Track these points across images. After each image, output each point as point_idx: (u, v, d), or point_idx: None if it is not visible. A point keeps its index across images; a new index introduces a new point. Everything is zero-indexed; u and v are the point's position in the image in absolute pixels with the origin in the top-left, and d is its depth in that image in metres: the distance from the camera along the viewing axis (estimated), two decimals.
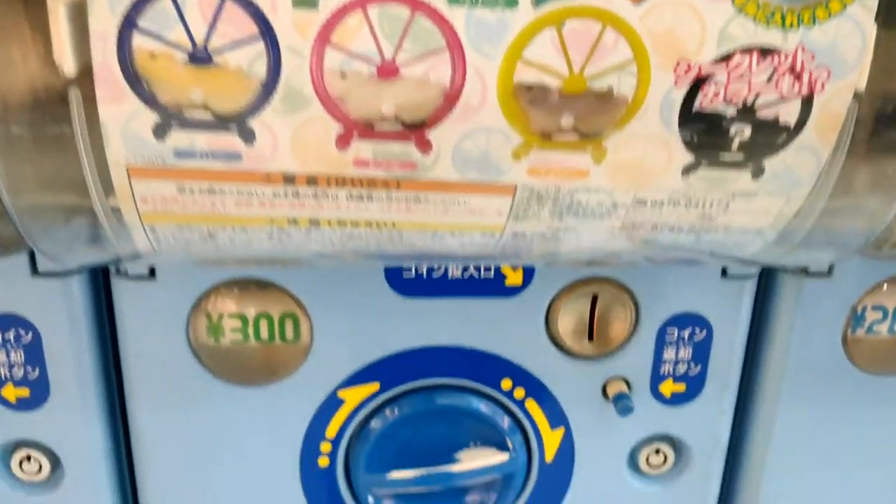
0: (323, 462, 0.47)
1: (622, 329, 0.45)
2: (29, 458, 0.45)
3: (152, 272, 0.42)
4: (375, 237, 0.33)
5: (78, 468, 0.46)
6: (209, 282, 0.42)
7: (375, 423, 0.46)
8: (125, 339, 0.43)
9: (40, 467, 0.45)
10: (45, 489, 0.46)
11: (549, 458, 0.48)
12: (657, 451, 0.48)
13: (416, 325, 0.44)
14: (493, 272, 0.43)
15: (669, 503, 0.50)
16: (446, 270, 0.43)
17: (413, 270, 0.43)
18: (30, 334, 0.42)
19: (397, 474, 0.46)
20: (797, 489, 0.50)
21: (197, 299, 0.42)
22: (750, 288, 0.45)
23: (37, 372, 0.43)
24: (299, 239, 0.33)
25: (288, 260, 0.35)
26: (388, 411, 0.46)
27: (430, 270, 0.43)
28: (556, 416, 0.47)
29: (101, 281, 0.44)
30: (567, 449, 0.47)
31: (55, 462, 0.45)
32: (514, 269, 0.43)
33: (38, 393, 0.43)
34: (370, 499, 0.47)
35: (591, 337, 0.45)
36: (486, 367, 0.45)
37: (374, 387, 0.45)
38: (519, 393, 0.46)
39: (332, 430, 0.46)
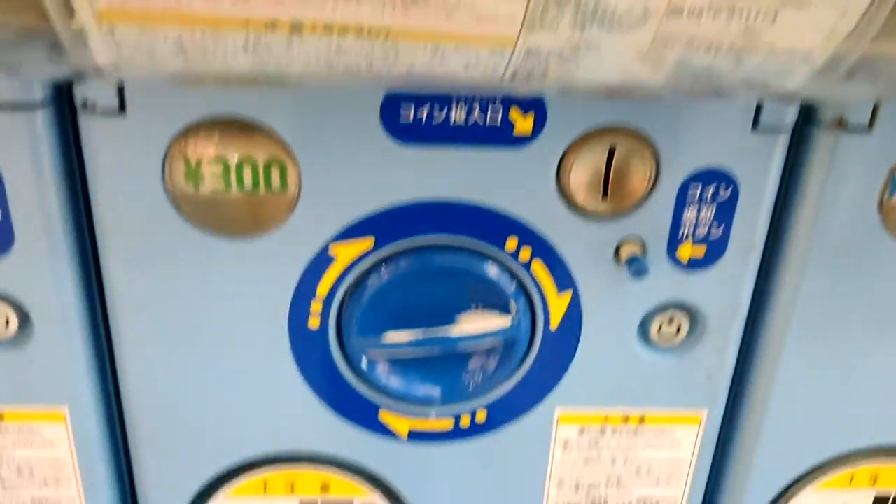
0: (313, 323, 0.43)
1: (640, 185, 0.41)
2: None
3: (122, 106, 0.38)
4: (367, 52, 0.29)
5: (48, 323, 0.43)
6: (186, 119, 0.38)
7: (369, 282, 0.42)
8: (95, 183, 0.40)
9: (7, 321, 0.42)
10: (12, 345, 0.43)
11: (554, 324, 0.45)
12: (671, 321, 0.45)
13: (414, 175, 0.40)
14: (500, 118, 0.39)
15: (681, 376, 0.47)
16: (448, 115, 0.39)
17: (412, 114, 0.38)
18: None
19: (393, 336, 0.43)
20: (817, 364, 0.47)
21: (172, 139, 0.38)
22: (782, 143, 0.41)
23: None
24: (280, 52, 0.29)
25: (269, 79, 0.31)
26: (383, 269, 0.42)
27: (430, 115, 0.39)
28: (564, 280, 0.43)
29: (68, 118, 0.39)
30: (574, 315, 0.44)
31: (24, 316, 0.42)
32: (524, 115, 0.39)
33: (1, 239, 0.40)
34: (363, 362, 0.44)
35: (605, 193, 0.41)
36: (490, 225, 0.41)
37: (367, 242, 0.42)
38: (525, 253, 0.42)
39: (323, 289, 0.43)
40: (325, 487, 0.49)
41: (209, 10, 0.26)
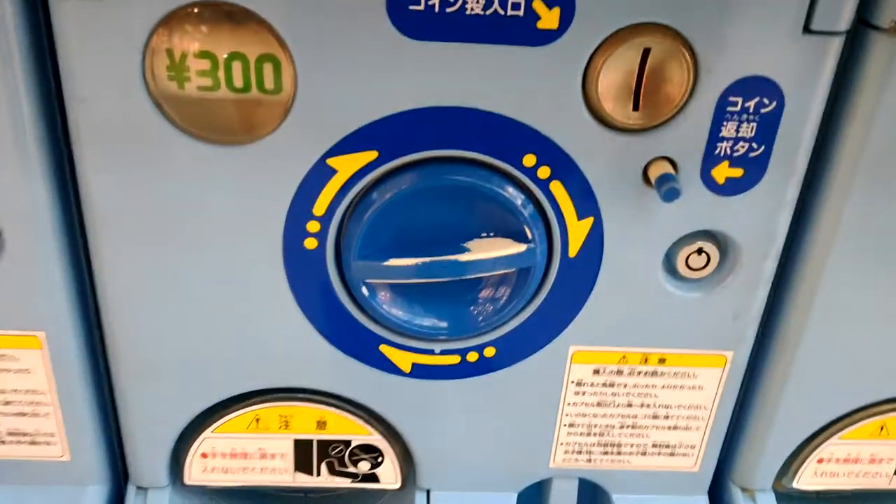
0: (310, 243, 0.40)
1: (676, 94, 0.37)
2: None
3: None
4: None
5: (19, 239, 0.39)
6: (169, 5, 0.34)
7: (372, 200, 0.38)
8: (69, 79, 0.35)
9: None
10: None
11: (572, 252, 0.41)
12: (699, 251, 0.41)
13: (423, 76, 0.36)
14: (522, 8, 0.35)
15: (706, 314, 0.43)
16: (464, 3, 0.34)
17: (423, 3, 0.34)
18: None
19: (396, 262, 0.39)
20: (853, 307, 0.43)
21: (153, 29, 0.34)
22: (835, 49, 0.36)
23: None
24: None
25: None
26: (387, 186, 0.38)
27: (443, 3, 0.34)
28: (586, 203, 0.39)
29: (38, 2, 0.35)
30: (594, 242, 0.40)
31: None
32: (550, 7, 0.35)
33: None
34: (363, 289, 0.40)
35: (636, 104, 0.37)
36: (506, 137, 0.37)
37: (370, 155, 0.38)
38: (544, 172, 0.38)
39: (320, 207, 0.39)
40: (321, 425, 0.46)
41: None
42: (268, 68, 0.36)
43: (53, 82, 0.37)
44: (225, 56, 0.35)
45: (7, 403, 0.44)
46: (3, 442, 0.45)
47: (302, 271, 0.41)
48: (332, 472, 0.48)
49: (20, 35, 0.35)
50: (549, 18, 0.35)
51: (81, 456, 0.46)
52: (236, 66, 0.35)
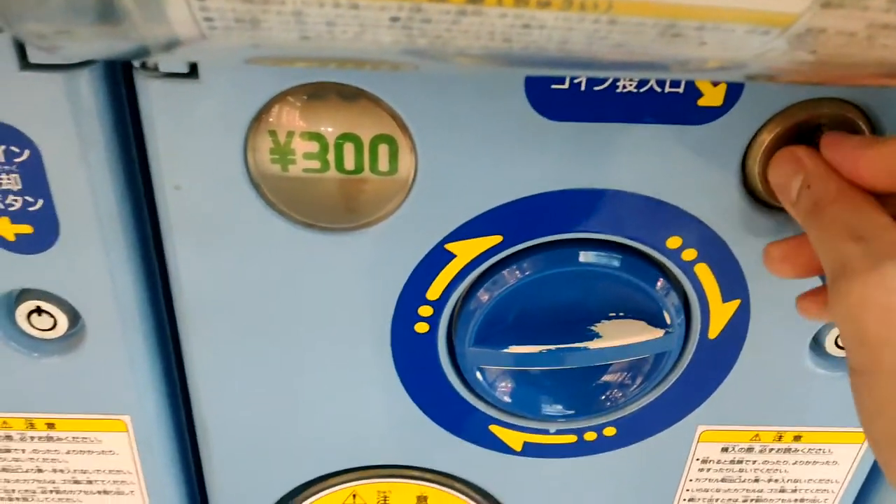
0: (420, 328, 0.36)
1: None
2: (40, 310, 0.35)
3: (193, 69, 0.29)
4: (563, 29, 0.20)
5: (102, 324, 0.35)
6: (275, 86, 0.29)
7: (493, 284, 0.34)
8: (157, 161, 0.31)
9: (55, 322, 0.35)
10: (61, 349, 0.36)
11: (713, 334, 0.36)
12: None
13: (561, 158, 0.31)
14: (682, 86, 0.30)
15: (847, 389, 0.39)
16: (615, 81, 0.30)
17: (567, 81, 0.29)
18: (26, 152, 0.30)
19: (517, 349, 0.35)
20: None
21: (258, 111, 0.30)
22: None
23: (40, 203, 0.31)
24: (443, 28, 0.20)
25: (413, 62, 0.22)
26: (509, 272, 0.34)
27: (591, 80, 0.30)
28: (734, 285, 0.35)
29: (120, 78, 0.31)
30: (739, 325, 0.36)
31: (74, 317, 0.35)
32: (715, 84, 0.30)
33: (44, 230, 0.32)
34: (478, 375, 0.36)
35: None
36: (650, 219, 0.33)
37: (494, 239, 0.33)
38: (689, 254, 0.34)
39: (434, 291, 0.35)
40: (421, 500, 0.43)
41: None
42: (383, 149, 0.31)
43: (138, 161, 0.33)
44: (335, 137, 0.31)
45: (90, 482, 0.41)
46: None
47: (410, 355, 0.37)
48: None
49: (100, 112, 0.30)
50: (712, 95, 0.30)
51: None
52: (348, 148, 0.31)
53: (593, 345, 0.35)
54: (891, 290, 0.24)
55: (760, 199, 0.33)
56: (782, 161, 0.30)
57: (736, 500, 0.43)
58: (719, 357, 0.37)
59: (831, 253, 0.26)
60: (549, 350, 0.35)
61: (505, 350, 0.35)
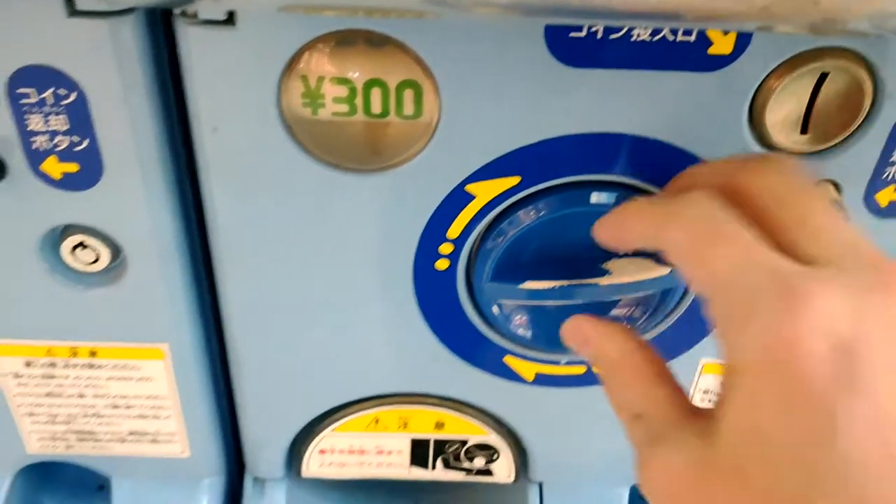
0: (441, 264, 0.38)
1: (850, 120, 0.34)
2: (83, 245, 0.37)
3: (230, 17, 0.30)
4: None
5: (143, 257, 0.37)
6: (306, 33, 0.31)
7: (510, 224, 0.36)
8: (196, 103, 0.33)
9: (97, 256, 0.37)
10: (103, 281, 0.38)
11: None
12: None
13: (578, 103, 0.33)
14: (694, 34, 0.31)
15: None
16: (630, 29, 0.31)
17: (585, 30, 0.31)
18: (73, 94, 0.32)
19: (532, 285, 0.37)
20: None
21: (291, 57, 0.31)
22: None
23: (86, 142, 0.33)
24: None
25: (437, 10, 0.24)
26: (526, 211, 0.36)
27: (607, 30, 0.31)
28: None
29: (161, 25, 0.33)
30: None
31: (115, 251, 0.37)
32: (725, 33, 0.31)
33: (89, 168, 0.34)
34: (495, 309, 0.39)
35: (804, 129, 0.34)
36: (660, 162, 0.35)
37: (513, 180, 0.35)
38: None
39: (455, 230, 0.37)
40: (439, 425, 0.46)
41: None
42: (409, 94, 0.33)
43: (176, 103, 0.35)
44: (363, 82, 0.32)
45: (129, 407, 0.44)
46: (124, 441, 0.45)
47: (431, 290, 0.39)
48: (447, 466, 0.48)
49: (143, 56, 0.32)
50: (722, 43, 0.31)
51: (200, 452, 0.46)
52: (375, 93, 0.33)
53: (604, 281, 0.37)
54: (672, 474, 0.25)
55: (767, 143, 0.34)
56: (568, 333, 0.33)
57: None
58: None
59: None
60: (561, 286, 0.37)
61: (520, 285, 0.37)
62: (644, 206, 0.30)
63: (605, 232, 0.31)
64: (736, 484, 0.24)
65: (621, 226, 0.31)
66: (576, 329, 0.33)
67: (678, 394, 0.29)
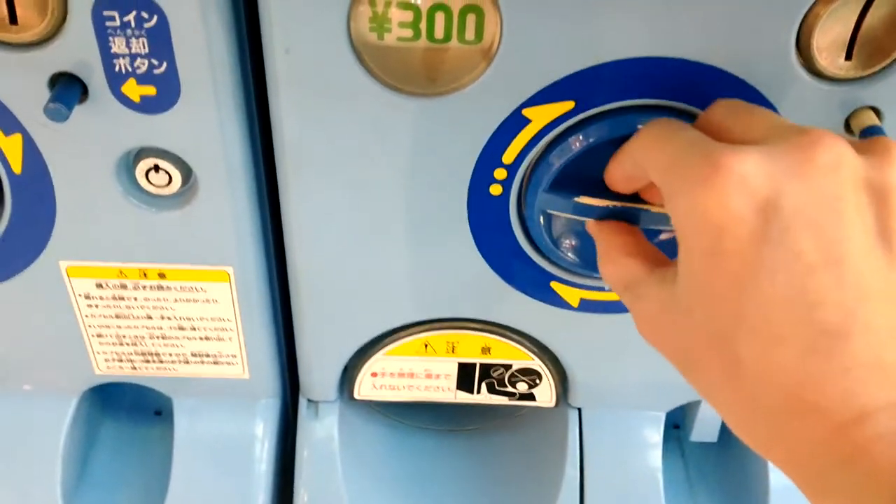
0: (495, 189, 0.40)
1: (892, 47, 0.35)
2: (157, 168, 0.39)
3: None
4: None
5: (212, 181, 0.39)
6: None
7: (564, 149, 0.38)
8: (269, 26, 0.35)
9: (170, 179, 0.39)
10: (175, 203, 0.40)
11: None
12: None
13: (630, 28, 0.34)
14: None
15: None
16: None
17: None
18: (154, 18, 0.34)
19: (587, 200, 0.39)
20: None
21: None
22: None
23: (164, 66, 0.35)
24: None
25: None
26: (578, 136, 0.38)
27: None
28: None
29: None
30: None
31: (187, 173, 0.39)
32: None
33: (167, 91, 0.36)
34: (540, 218, 0.40)
35: (848, 55, 0.35)
36: (710, 85, 0.36)
37: (567, 105, 0.37)
38: None
39: (510, 155, 0.38)
40: (485, 350, 0.48)
41: None
42: (471, 19, 0.34)
43: (248, 30, 0.36)
44: (428, 7, 0.34)
45: (193, 329, 0.46)
46: (187, 362, 0.48)
47: (484, 215, 0.41)
48: (492, 390, 0.50)
49: None
50: None
51: (259, 374, 0.49)
52: (438, 17, 0.34)
53: (655, 208, 0.39)
54: (650, 319, 0.33)
55: (813, 69, 0.36)
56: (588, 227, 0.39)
57: None
58: None
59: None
60: (614, 206, 0.39)
61: (575, 198, 0.39)
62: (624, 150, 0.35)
63: (609, 177, 0.36)
64: (687, 322, 0.29)
65: (620, 165, 0.35)
66: (589, 225, 0.38)
67: (648, 254, 0.35)
